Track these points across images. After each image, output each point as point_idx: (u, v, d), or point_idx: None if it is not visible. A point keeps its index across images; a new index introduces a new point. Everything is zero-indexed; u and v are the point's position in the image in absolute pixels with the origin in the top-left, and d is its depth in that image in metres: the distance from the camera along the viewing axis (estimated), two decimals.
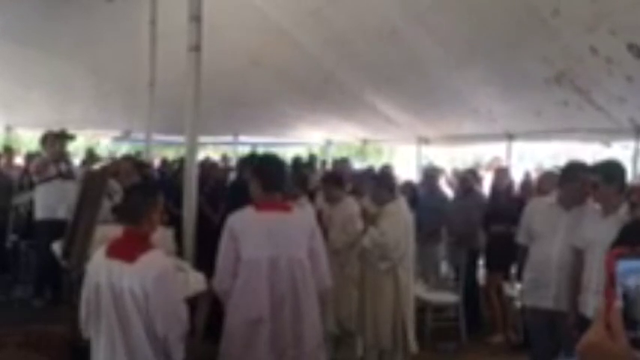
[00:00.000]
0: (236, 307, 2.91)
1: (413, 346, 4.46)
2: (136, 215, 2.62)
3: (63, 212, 5.87)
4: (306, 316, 3.00)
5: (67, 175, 6.09)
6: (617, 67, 4.94)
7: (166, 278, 2.54)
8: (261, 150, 11.66)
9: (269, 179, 3.07)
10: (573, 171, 3.79)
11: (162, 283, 2.49)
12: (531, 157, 13.72)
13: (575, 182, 3.72)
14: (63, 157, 6.17)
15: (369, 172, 7.25)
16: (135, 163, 7.02)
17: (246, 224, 2.96)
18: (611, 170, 3.43)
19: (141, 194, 2.73)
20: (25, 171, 7.27)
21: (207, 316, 4.69)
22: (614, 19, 4.49)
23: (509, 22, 5.23)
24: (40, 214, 6.03)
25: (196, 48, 3.71)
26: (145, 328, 2.49)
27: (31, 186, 6.28)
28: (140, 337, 2.50)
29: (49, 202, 5.97)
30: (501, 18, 5.28)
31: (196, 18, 3.73)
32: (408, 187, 6.71)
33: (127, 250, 2.55)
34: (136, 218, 2.61)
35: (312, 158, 10.36)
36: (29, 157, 7.98)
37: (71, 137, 6.18)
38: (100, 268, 2.57)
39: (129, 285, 2.46)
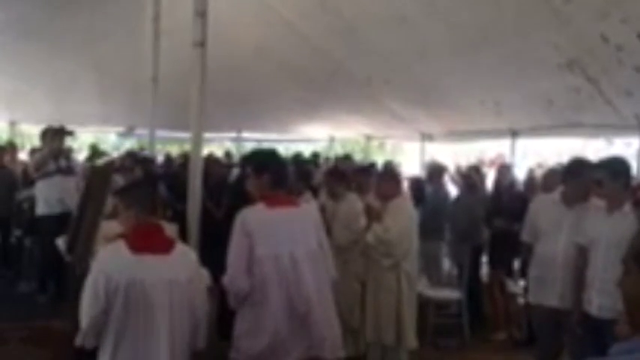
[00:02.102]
0: (259, 305, 2.88)
1: (411, 341, 4.46)
2: (151, 206, 2.70)
3: (63, 207, 5.90)
4: (330, 308, 3.04)
5: (67, 170, 6.11)
6: (627, 56, 4.93)
7: (198, 264, 2.82)
8: (264, 147, 11.63)
9: (277, 175, 3.07)
10: (576, 168, 3.78)
11: (198, 268, 2.78)
12: (535, 155, 13.69)
13: (578, 179, 3.70)
14: (62, 152, 6.19)
15: (372, 169, 7.24)
16: (137, 159, 7.05)
17: (260, 221, 2.93)
18: (616, 167, 3.42)
19: (147, 186, 2.86)
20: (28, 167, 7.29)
21: (218, 314, 4.67)
22: (626, 8, 4.49)
23: (521, 8, 5.20)
24: (41, 209, 6.06)
25: (201, 44, 3.70)
26: (189, 313, 2.63)
27: (32, 182, 6.29)
28: (184, 324, 2.61)
29: (49, 197, 6.00)
30: (513, 4, 5.25)
31: (201, 13, 3.71)
32: (416, 183, 6.69)
33: (158, 243, 2.62)
34: (153, 208, 2.71)
35: (315, 156, 10.33)
36: (32, 152, 7.99)
37: (70, 133, 6.20)
38: (130, 266, 2.51)
39: (171, 275, 2.55)
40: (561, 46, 5.34)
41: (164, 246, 2.62)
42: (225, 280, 2.92)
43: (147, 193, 2.77)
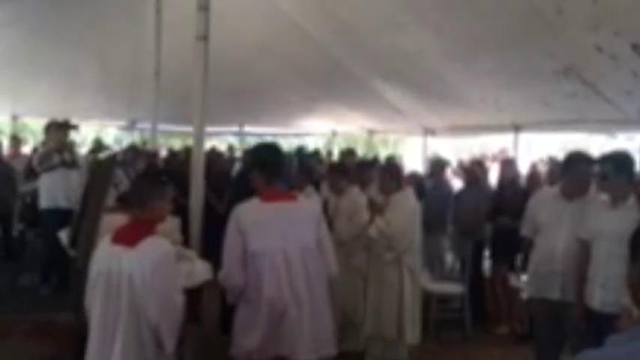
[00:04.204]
0: (253, 301, 2.88)
1: (411, 336, 4.45)
2: (140, 201, 2.64)
3: (67, 201, 5.91)
4: (321, 305, 3.01)
5: (71, 164, 6.12)
6: (623, 64, 4.89)
7: (165, 263, 2.51)
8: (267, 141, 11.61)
9: (271, 170, 3.05)
10: (574, 161, 3.76)
11: (160, 268, 2.47)
12: (538, 149, 13.65)
13: (576, 173, 3.69)
14: (66, 146, 6.20)
15: (375, 163, 7.23)
16: (139, 152, 7.05)
17: (253, 216, 2.92)
18: (620, 161, 3.40)
19: (147, 182, 2.77)
20: (30, 161, 7.30)
21: (221, 309, 4.67)
22: (617, 20, 4.44)
23: (513, 21, 5.19)
24: (44, 202, 6.08)
25: (204, 38, 3.69)
26: (138, 314, 2.46)
27: (36, 175, 6.30)
28: (133, 324, 2.47)
29: (53, 190, 6.02)
30: (505, 17, 5.24)
31: (204, 7, 3.71)
32: (414, 178, 6.68)
33: (129, 235, 2.56)
34: (141, 204, 2.63)
35: (317, 153, 10.28)
36: (35, 150, 8.02)
37: (74, 127, 6.21)
38: (104, 256, 2.58)
39: (129, 270, 2.46)
40: (556, 54, 5.32)
41: (130, 238, 2.53)
42: (221, 276, 2.94)
43: (142, 190, 2.75)
